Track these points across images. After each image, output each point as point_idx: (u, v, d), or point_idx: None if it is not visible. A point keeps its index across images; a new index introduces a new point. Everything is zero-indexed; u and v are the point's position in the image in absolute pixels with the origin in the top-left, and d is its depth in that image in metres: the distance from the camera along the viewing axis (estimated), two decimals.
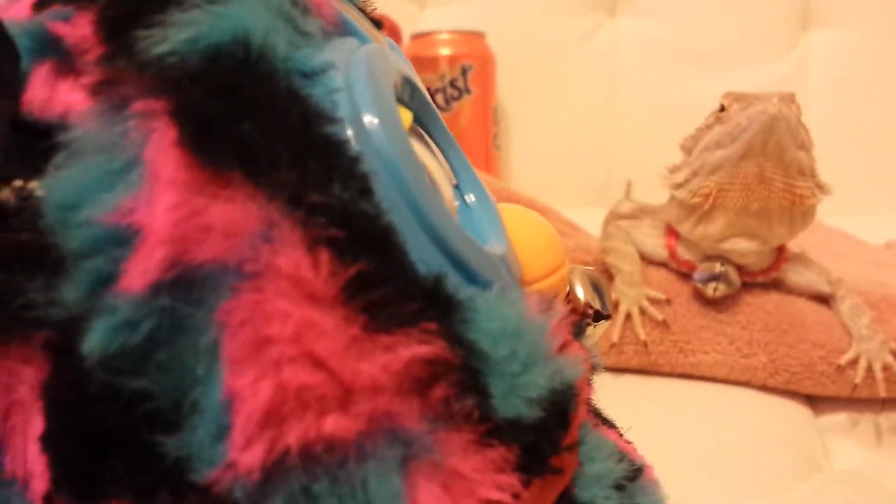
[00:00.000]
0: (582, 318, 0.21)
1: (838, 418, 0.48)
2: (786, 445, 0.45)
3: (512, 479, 0.15)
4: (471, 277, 0.17)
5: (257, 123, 0.15)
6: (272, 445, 0.13)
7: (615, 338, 0.49)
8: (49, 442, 0.15)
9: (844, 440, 0.47)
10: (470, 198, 0.21)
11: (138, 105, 0.14)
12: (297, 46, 0.16)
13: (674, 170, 0.50)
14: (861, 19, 0.98)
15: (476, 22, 0.94)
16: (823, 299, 0.51)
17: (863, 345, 0.47)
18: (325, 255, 0.14)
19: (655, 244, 0.52)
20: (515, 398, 0.16)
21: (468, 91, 0.89)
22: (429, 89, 0.89)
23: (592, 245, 0.54)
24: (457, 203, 0.20)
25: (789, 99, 0.44)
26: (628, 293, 0.50)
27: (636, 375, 0.51)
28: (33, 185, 0.15)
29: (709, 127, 0.47)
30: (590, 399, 0.20)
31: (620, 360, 0.50)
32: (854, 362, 0.47)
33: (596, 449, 0.19)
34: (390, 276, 0.15)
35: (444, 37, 0.89)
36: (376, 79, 0.17)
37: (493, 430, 0.15)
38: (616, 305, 0.50)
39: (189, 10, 0.15)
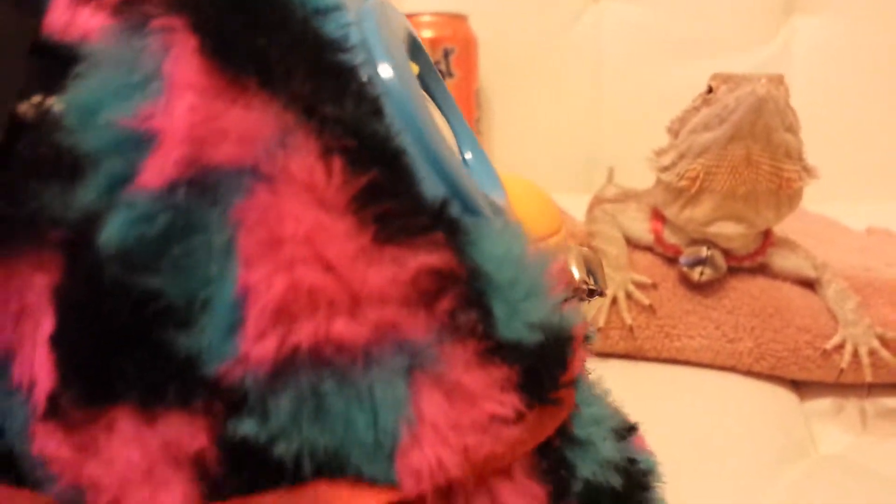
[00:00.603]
0: (577, 295, 0.22)
1: (824, 403, 0.48)
2: (772, 430, 0.45)
3: (513, 398, 0.16)
4: (472, 211, 0.17)
5: (273, 40, 0.15)
6: (283, 340, 0.14)
7: (601, 322, 0.49)
8: (58, 341, 0.15)
9: (830, 425, 0.47)
10: (468, 155, 0.22)
11: (158, 21, 0.14)
12: None
13: (660, 153, 0.49)
14: (844, 5, 0.98)
15: (459, 4, 0.92)
16: (809, 284, 0.50)
17: (849, 329, 0.47)
18: (337, 163, 0.14)
19: (641, 228, 0.52)
20: (517, 321, 0.16)
21: (450, 74, 0.88)
22: None
23: (578, 229, 0.53)
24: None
25: (778, 80, 0.43)
26: (614, 277, 0.49)
27: (621, 360, 0.50)
28: (51, 100, 0.15)
29: (696, 109, 0.46)
30: (585, 363, 0.21)
31: (606, 345, 0.50)
32: (840, 347, 0.47)
33: (593, 396, 0.20)
34: (400, 191, 0.15)
35: (427, 19, 0.88)
36: (386, 23, 0.18)
37: (496, 348, 0.15)
38: None
39: None
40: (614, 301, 0.49)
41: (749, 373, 0.49)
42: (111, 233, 0.14)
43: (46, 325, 0.15)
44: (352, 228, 0.14)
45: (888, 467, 0.41)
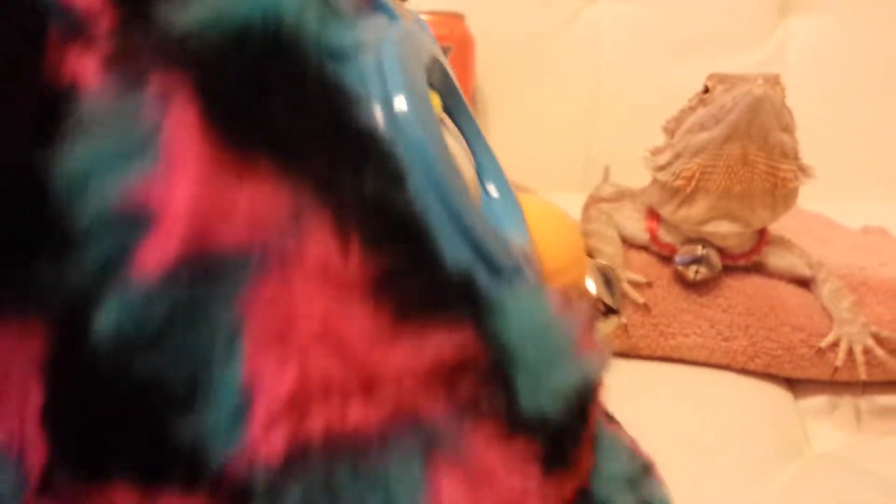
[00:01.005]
0: (593, 313, 0.21)
1: (818, 401, 0.49)
2: (766, 429, 0.45)
3: (533, 470, 0.15)
4: (496, 270, 0.16)
5: (286, 105, 0.14)
6: (294, 432, 0.13)
7: None
8: (50, 415, 0.14)
9: (824, 423, 0.47)
10: (491, 187, 0.20)
11: (157, 77, 0.13)
12: (328, 24, 0.16)
13: (656, 152, 0.49)
14: (839, 6, 0.98)
15: (455, 3, 0.92)
16: (804, 283, 0.50)
17: (843, 328, 0.47)
18: (355, 245, 0.14)
19: (637, 227, 0.52)
20: (542, 393, 0.16)
21: None
22: None
23: None
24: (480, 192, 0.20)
25: (774, 80, 0.43)
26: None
27: (616, 358, 0.51)
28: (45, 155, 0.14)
29: (692, 109, 0.47)
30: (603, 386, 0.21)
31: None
32: (834, 345, 0.47)
33: (611, 447, 0.19)
34: (421, 267, 0.15)
35: (423, 17, 0.88)
36: (408, 62, 0.16)
37: (518, 423, 0.15)
38: None
39: None
40: None
41: (744, 371, 0.49)
42: (107, 318, 0.13)
43: (35, 396, 0.14)
44: (370, 308, 0.14)
45: (882, 466, 0.41)
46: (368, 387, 0.14)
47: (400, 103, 0.15)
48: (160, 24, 0.14)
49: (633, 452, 0.21)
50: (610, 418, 0.22)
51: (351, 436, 0.13)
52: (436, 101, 0.18)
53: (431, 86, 0.18)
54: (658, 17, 0.98)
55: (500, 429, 0.15)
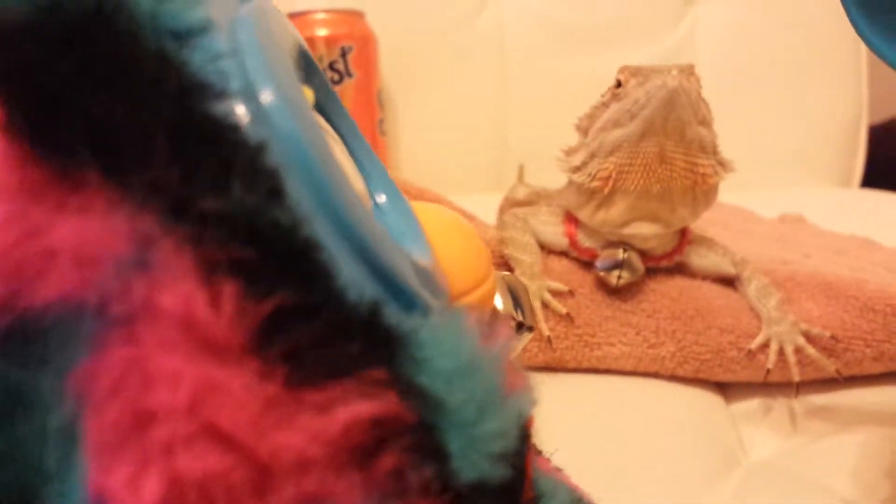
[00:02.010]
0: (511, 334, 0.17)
1: (751, 404, 0.46)
2: (701, 439, 0.42)
3: None
4: (408, 302, 0.13)
5: (117, 98, 0.10)
6: None
7: None
8: None
9: (760, 428, 0.45)
10: (381, 198, 0.17)
11: None
12: None
13: (570, 152, 0.46)
14: None
15: (355, 1, 0.88)
16: (730, 281, 0.48)
17: (773, 327, 0.45)
18: (227, 287, 0.10)
19: (555, 232, 0.49)
20: (476, 455, 0.12)
21: (349, 74, 0.84)
22: None
23: (489, 236, 0.50)
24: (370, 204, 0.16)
25: (689, 71, 0.41)
26: (529, 286, 0.46)
27: (541, 372, 0.47)
28: None
29: (605, 104, 0.44)
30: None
31: (525, 358, 0.47)
32: (765, 346, 0.45)
33: (547, 487, 0.17)
34: (317, 309, 0.11)
35: (321, 16, 0.84)
36: (271, 43, 0.13)
37: (454, 496, 0.12)
38: None
39: None
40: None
41: (673, 377, 0.47)
42: None
43: None
44: (254, 377, 0.10)
45: (819, 471, 0.39)
46: (260, 482, 0.10)
47: (267, 94, 0.12)
48: None
49: (578, 498, 0.18)
50: (538, 452, 0.19)
51: None
52: (308, 95, 0.15)
53: (302, 78, 0.15)
54: (565, 9, 0.96)
55: None
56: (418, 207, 0.18)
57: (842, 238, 0.61)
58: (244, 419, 0.10)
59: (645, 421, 0.44)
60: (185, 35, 0.12)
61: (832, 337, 0.45)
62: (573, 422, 0.43)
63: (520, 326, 0.19)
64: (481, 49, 0.95)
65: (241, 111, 0.11)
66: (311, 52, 0.16)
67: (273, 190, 0.11)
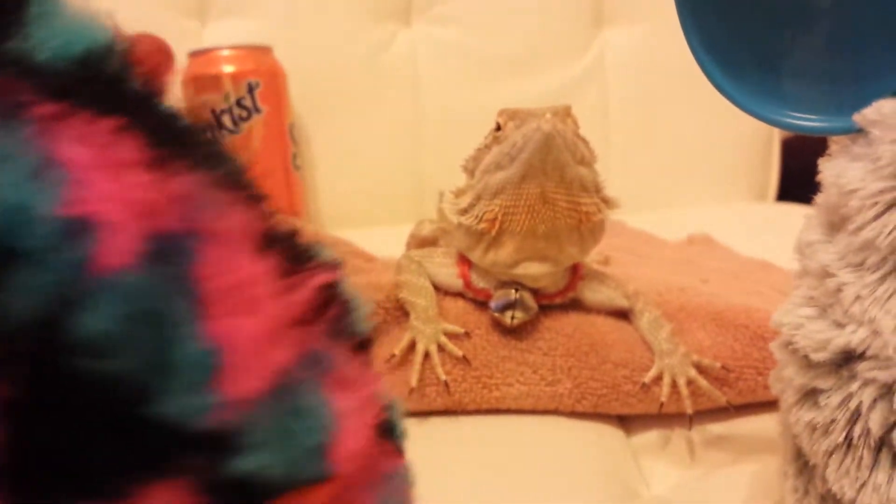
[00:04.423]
0: None
1: (651, 436, 0.47)
2: (602, 474, 0.42)
3: (374, 375, 0.20)
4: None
5: (161, 114, 0.17)
6: (264, 370, 0.16)
7: (414, 382, 0.45)
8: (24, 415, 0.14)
9: (658, 460, 0.45)
10: None
11: (36, 108, 0.14)
12: None
13: (459, 193, 0.46)
14: (651, 14, 1.00)
15: (263, 36, 0.88)
16: (623, 314, 0.49)
17: (665, 360, 0.45)
18: (254, 210, 0.17)
19: (449, 273, 0.49)
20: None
21: (258, 110, 0.83)
22: (213, 111, 0.82)
23: (385, 281, 0.50)
24: None
25: (564, 113, 0.41)
26: (425, 330, 0.46)
27: (441, 417, 0.47)
28: None
29: (488, 147, 0.44)
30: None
31: (423, 404, 0.46)
32: (658, 379, 0.45)
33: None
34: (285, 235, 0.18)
35: (226, 53, 0.83)
36: None
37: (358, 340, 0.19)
38: (413, 345, 0.46)
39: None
40: (427, 357, 0.46)
41: (573, 413, 0.47)
42: (93, 319, 0.14)
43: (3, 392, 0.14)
44: (270, 269, 0.17)
45: None
46: (275, 333, 0.16)
47: None
48: (20, 59, 0.15)
49: None
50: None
51: (301, 358, 0.17)
52: None
53: None
54: (475, 39, 0.96)
55: (351, 346, 0.19)
56: None
57: (740, 260, 0.62)
58: (270, 295, 0.16)
59: (546, 459, 0.44)
60: None
61: (723, 367, 0.45)
62: (475, 464, 0.43)
63: None
64: (393, 80, 0.95)
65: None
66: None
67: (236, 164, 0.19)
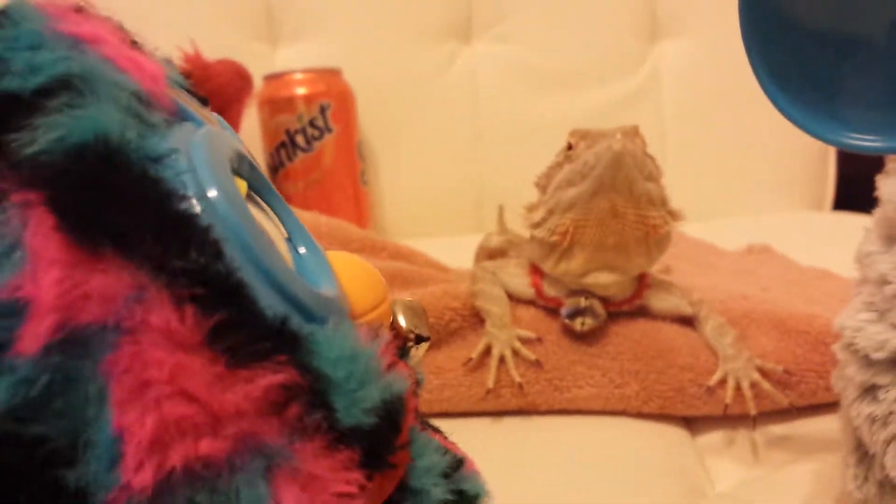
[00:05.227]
0: (406, 342, 0.26)
1: (715, 437, 0.49)
2: (668, 473, 0.45)
3: (357, 475, 0.19)
4: (310, 317, 0.20)
5: (121, 207, 0.17)
6: (159, 466, 0.16)
7: (490, 383, 0.48)
8: None
9: (723, 460, 0.47)
10: (301, 249, 0.24)
11: (16, 197, 0.16)
12: (146, 136, 0.19)
13: (531, 209, 0.49)
14: (705, 26, 1.02)
15: (331, 59, 0.92)
16: (688, 321, 0.51)
17: (729, 364, 0.48)
18: (189, 310, 0.17)
19: (522, 283, 0.52)
20: (355, 410, 0.19)
21: (329, 129, 0.87)
22: (288, 131, 0.87)
23: (461, 290, 0.53)
24: (291, 255, 0.24)
25: (633, 133, 0.44)
26: (500, 336, 0.49)
27: (515, 417, 0.50)
28: None
29: (559, 165, 0.47)
30: (416, 408, 0.24)
31: (499, 404, 0.49)
32: (723, 382, 0.48)
33: (424, 446, 0.24)
34: (245, 322, 0.18)
35: (299, 76, 0.87)
36: (215, 158, 0.20)
37: (339, 437, 0.19)
38: (489, 350, 0.49)
39: (52, 114, 0.17)
40: (502, 360, 0.49)
41: (640, 415, 0.50)
42: (1, 398, 0.15)
43: None
44: (207, 361, 0.17)
45: (778, 501, 0.42)
46: (214, 424, 0.17)
47: (211, 192, 0.19)
48: (13, 155, 0.17)
49: (446, 450, 0.25)
50: (430, 427, 0.27)
51: (205, 465, 0.17)
52: (242, 185, 0.22)
53: (238, 173, 0.22)
54: (533, 55, 0.99)
55: (325, 443, 0.18)
56: (332, 254, 0.25)
57: (799, 269, 0.64)
58: (202, 384, 0.17)
59: (615, 458, 0.47)
60: (158, 159, 0.19)
61: (786, 371, 0.48)
62: (547, 462, 0.46)
63: (419, 339, 0.26)
64: (455, 96, 0.99)
65: (196, 207, 0.19)
66: (244, 148, 0.24)
67: (215, 252, 0.18)
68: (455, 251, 0.74)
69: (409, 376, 0.21)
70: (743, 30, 0.34)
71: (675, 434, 0.49)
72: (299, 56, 0.96)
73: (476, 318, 0.52)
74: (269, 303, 0.19)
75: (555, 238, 0.47)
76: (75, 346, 0.16)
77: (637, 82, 1.01)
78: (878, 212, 0.31)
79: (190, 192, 0.19)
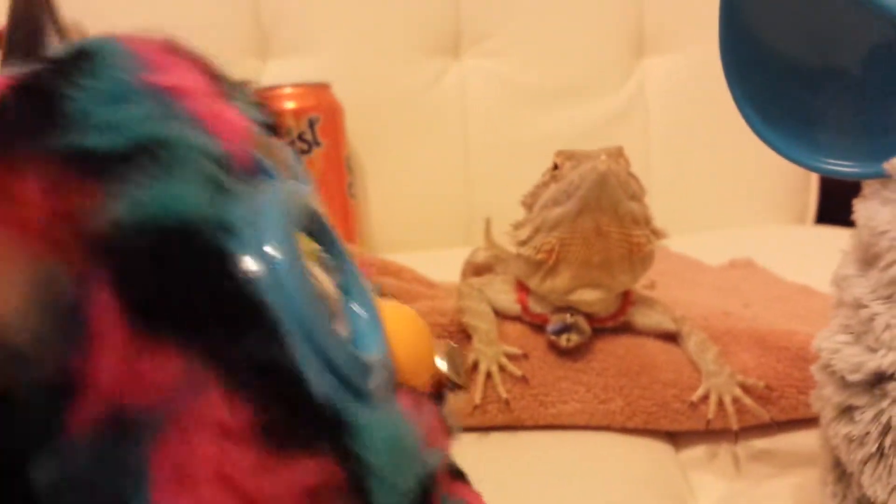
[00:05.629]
0: (443, 388, 0.25)
1: (698, 451, 0.50)
2: (652, 487, 0.46)
3: None
4: (356, 393, 0.20)
5: (190, 288, 0.17)
6: None
7: (477, 399, 0.49)
8: None
9: (706, 473, 0.48)
10: (356, 307, 0.24)
11: (84, 271, 0.16)
12: (220, 205, 0.19)
13: (518, 226, 0.50)
14: (690, 42, 1.03)
15: (321, 73, 0.93)
16: (672, 337, 0.52)
17: (711, 380, 0.49)
18: (240, 401, 0.17)
19: (508, 299, 0.53)
20: (392, 495, 0.19)
21: (317, 143, 0.88)
22: None
23: (448, 307, 0.54)
24: (346, 314, 0.23)
25: (617, 154, 0.45)
26: (486, 352, 0.50)
27: (501, 432, 0.51)
28: None
29: (545, 184, 0.48)
30: (448, 460, 0.25)
31: (485, 420, 0.50)
32: (705, 397, 0.49)
33: None
34: (293, 407, 0.18)
35: (288, 90, 0.88)
36: (282, 224, 0.20)
37: None
38: (475, 365, 0.50)
39: (130, 184, 0.17)
40: (489, 376, 0.50)
41: (624, 429, 0.50)
42: (45, 469, 0.15)
43: None
44: (252, 451, 0.17)
45: None
46: None
47: (275, 266, 0.18)
48: (82, 220, 0.16)
49: None
50: (457, 476, 0.27)
51: None
52: (310, 246, 0.22)
53: (309, 231, 0.22)
54: (521, 69, 1.00)
55: None
56: (385, 308, 0.24)
57: (781, 285, 0.65)
58: (243, 473, 0.17)
59: (600, 472, 0.47)
60: (229, 229, 0.18)
61: (767, 386, 0.48)
62: (533, 477, 0.47)
63: (455, 386, 0.26)
64: (444, 111, 1.00)
65: (260, 285, 0.18)
66: (314, 198, 0.24)
67: (274, 335, 0.18)
68: (442, 264, 0.75)
69: (444, 438, 0.22)
70: (723, 57, 0.35)
71: (658, 448, 0.50)
72: (289, 70, 0.97)
73: (463, 335, 0.52)
74: (320, 383, 0.19)
75: (541, 256, 0.47)
76: (123, 430, 0.16)
77: (623, 98, 1.02)
78: (854, 235, 0.32)
79: (255, 268, 0.18)
